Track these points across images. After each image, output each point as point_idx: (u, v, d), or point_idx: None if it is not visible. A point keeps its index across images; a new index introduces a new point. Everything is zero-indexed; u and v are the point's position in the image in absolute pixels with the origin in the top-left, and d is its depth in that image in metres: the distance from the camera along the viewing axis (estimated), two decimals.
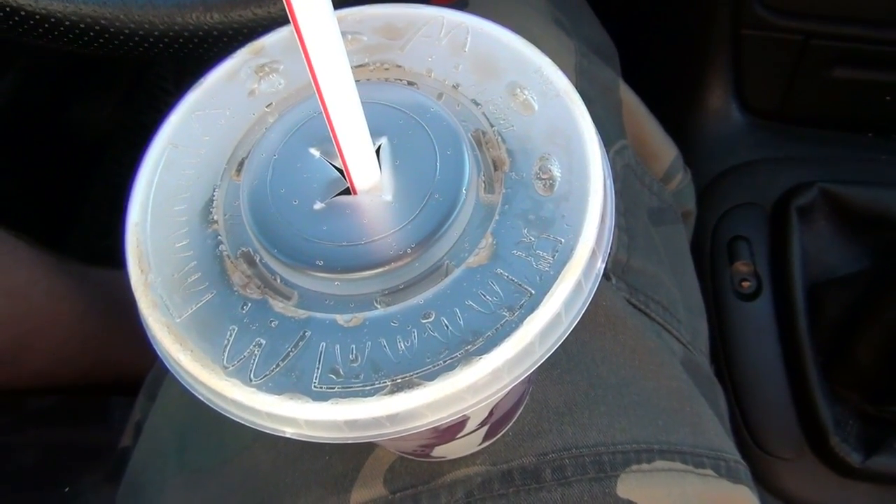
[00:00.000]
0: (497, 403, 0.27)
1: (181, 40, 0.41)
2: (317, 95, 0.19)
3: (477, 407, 0.20)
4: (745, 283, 0.73)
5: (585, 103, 0.45)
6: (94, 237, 0.91)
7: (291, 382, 0.20)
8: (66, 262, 0.69)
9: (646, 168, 0.51)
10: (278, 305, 0.21)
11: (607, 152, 0.44)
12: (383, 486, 0.33)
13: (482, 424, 0.28)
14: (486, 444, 0.33)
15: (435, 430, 0.26)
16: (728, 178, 0.80)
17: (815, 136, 0.84)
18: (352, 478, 0.33)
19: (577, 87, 0.44)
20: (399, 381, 0.19)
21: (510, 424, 0.33)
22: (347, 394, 0.19)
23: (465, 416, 0.26)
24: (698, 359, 0.45)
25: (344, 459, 0.33)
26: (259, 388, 0.20)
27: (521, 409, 0.34)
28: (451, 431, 0.27)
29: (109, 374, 0.69)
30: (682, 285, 0.49)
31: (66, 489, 0.59)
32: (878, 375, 0.65)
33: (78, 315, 0.67)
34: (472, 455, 0.33)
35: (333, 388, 0.19)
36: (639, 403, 0.36)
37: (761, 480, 0.67)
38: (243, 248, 0.22)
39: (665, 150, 0.56)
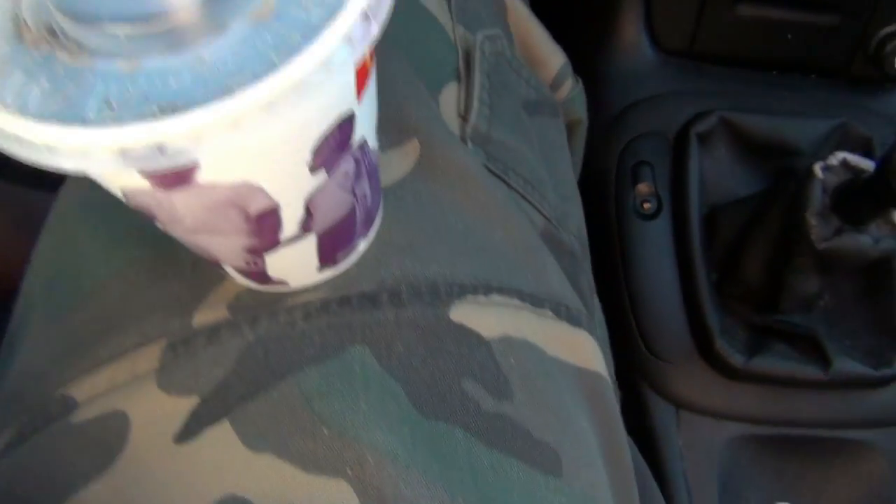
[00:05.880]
0: (313, 201, 0.29)
1: None
2: None
3: (248, 142, 0.21)
4: (647, 205, 0.76)
5: None
6: None
7: (69, 114, 0.21)
8: None
9: (525, 64, 0.52)
10: (65, 57, 0.22)
11: (475, 35, 0.46)
12: (227, 311, 0.34)
13: (303, 229, 0.30)
14: (328, 274, 0.35)
15: (248, 220, 0.28)
16: (636, 109, 0.82)
17: (723, 74, 0.87)
18: (196, 303, 0.34)
19: None
20: (165, 105, 0.21)
21: (351, 255, 0.35)
22: (119, 119, 0.21)
23: (257, 184, 0.27)
24: (563, 236, 0.47)
25: (191, 288, 0.35)
26: (36, 118, 0.21)
27: (363, 241, 0.35)
28: (267, 227, 0.29)
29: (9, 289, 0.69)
30: (556, 173, 0.51)
31: None
32: (763, 287, 0.68)
33: None
34: (316, 287, 0.35)
35: (107, 115, 0.21)
36: (483, 248, 0.38)
37: (652, 385, 0.70)
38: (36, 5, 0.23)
39: (553, 58, 0.58)
